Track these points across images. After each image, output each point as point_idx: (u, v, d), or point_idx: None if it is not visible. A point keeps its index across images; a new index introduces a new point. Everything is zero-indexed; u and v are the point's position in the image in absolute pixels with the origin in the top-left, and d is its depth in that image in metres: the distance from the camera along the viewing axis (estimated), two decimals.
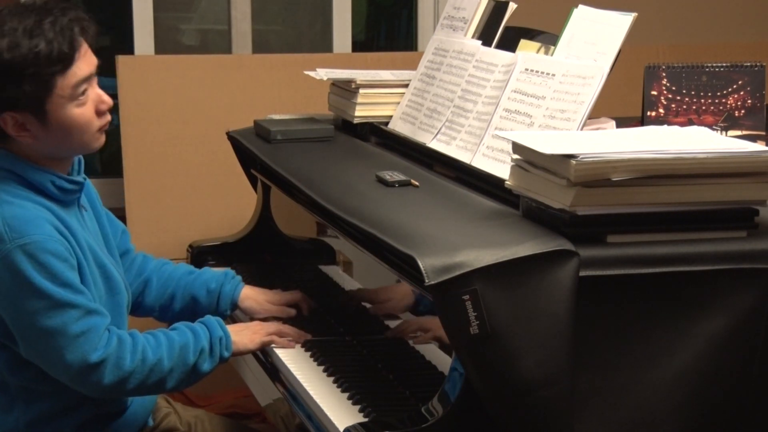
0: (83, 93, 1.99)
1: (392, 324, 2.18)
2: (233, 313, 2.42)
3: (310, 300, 2.43)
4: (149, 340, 2.05)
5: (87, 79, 2.00)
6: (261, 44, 3.97)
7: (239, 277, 2.42)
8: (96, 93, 2.03)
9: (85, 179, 2.11)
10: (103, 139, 2.07)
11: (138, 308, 2.38)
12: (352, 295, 2.34)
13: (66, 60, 1.94)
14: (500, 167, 2.10)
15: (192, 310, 2.34)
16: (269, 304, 2.39)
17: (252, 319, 2.37)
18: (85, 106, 2.00)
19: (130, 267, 2.38)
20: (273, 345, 2.22)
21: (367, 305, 2.26)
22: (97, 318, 1.98)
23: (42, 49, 1.92)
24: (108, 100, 2.04)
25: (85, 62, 1.99)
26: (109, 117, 2.06)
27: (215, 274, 2.40)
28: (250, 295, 2.40)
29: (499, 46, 2.41)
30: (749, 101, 2.51)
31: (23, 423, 2.08)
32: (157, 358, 2.03)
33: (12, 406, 2.08)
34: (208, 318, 2.18)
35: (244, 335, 2.19)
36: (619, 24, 2.08)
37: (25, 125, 1.98)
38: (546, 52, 2.23)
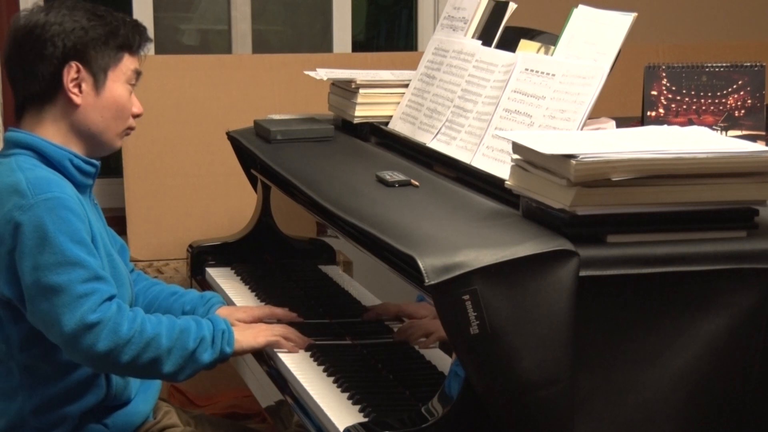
0: (132, 86, 2.18)
1: (392, 324, 2.19)
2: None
3: (286, 311, 2.39)
4: (150, 318, 2.08)
5: (138, 75, 2.19)
6: (261, 44, 3.97)
7: (217, 299, 2.41)
8: (134, 97, 2.20)
9: (99, 162, 2.20)
10: (120, 143, 2.22)
11: None
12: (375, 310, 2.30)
13: (138, 44, 2.18)
14: (500, 167, 2.10)
15: None
16: (238, 322, 2.32)
17: None
18: (131, 96, 2.18)
19: None
20: (276, 349, 2.22)
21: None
22: (102, 284, 2.02)
23: (133, 25, 2.19)
24: (141, 108, 2.20)
25: (138, 64, 2.20)
26: (134, 124, 2.21)
27: (193, 297, 2.41)
28: (223, 314, 2.36)
29: (499, 46, 2.41)
30: (749, 101, 2.51)
31: (28, 409, 2.10)
32: (155, 332, 2.04)
33: (16, 393, 2.10)
34: (214, 315, 2.23)
35: (248, 334, 2.20)
36: (619, 24, 2.08)
37: (81, 85, 2.11)
38: (546, 52, 2.23)
